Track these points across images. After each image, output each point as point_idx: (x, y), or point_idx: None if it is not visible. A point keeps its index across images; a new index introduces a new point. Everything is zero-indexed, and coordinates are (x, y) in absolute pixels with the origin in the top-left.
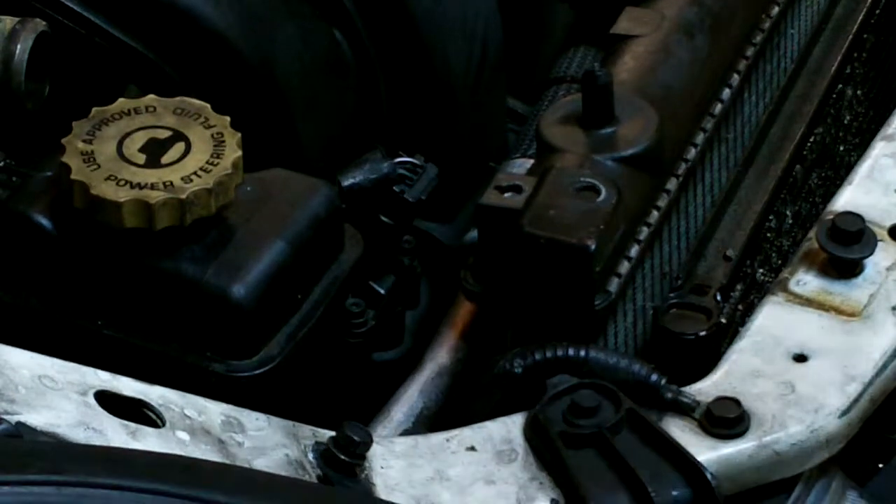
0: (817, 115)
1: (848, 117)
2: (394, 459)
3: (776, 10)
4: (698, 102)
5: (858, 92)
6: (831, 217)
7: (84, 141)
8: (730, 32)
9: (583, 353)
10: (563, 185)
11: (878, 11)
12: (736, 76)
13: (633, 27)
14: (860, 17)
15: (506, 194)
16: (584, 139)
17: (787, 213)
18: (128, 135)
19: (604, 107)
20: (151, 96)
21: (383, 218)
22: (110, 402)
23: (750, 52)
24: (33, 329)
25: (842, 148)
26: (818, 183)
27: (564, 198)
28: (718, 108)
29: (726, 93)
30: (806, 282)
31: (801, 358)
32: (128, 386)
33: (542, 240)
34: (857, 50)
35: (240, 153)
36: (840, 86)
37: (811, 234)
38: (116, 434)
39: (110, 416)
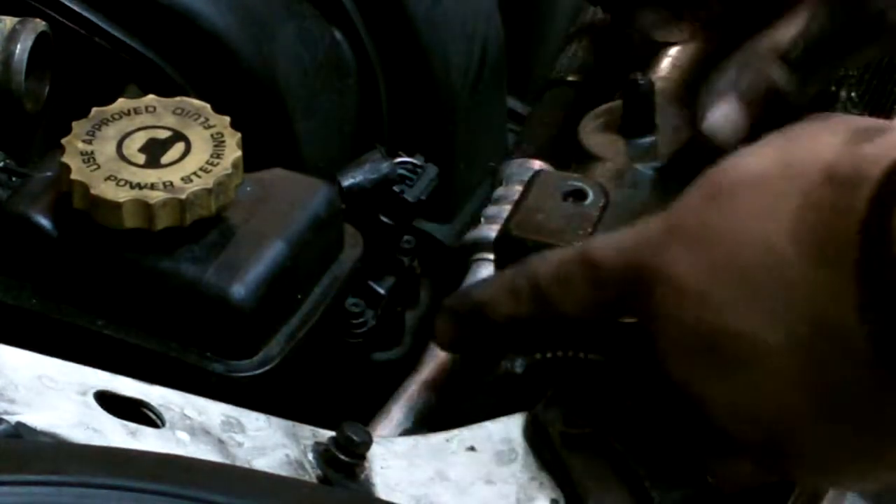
0: None
1: None
2: (394, 459)
3: None
4: None
5: (853, 94)
6: None
7: (84, 141)
8: None
9: (582, 353)
10: (550, 190)
11: None
12: None
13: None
14: None
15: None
16: (624, 148)
17: None
18: (128, 135)
19: (644, 115)
20: (151, 96)
21: (383, 218)
22: (110, 402)
23: None
24: (33, 329)
25: None
26: None
27: (551, 201)
28: None
29: None
30: None
31: None
32: (128, 386)
33: (529, 243)
34: None
35: (240, 153)
36: (833, 88)
37: None
38: (116, 434)
39: (110, 416)
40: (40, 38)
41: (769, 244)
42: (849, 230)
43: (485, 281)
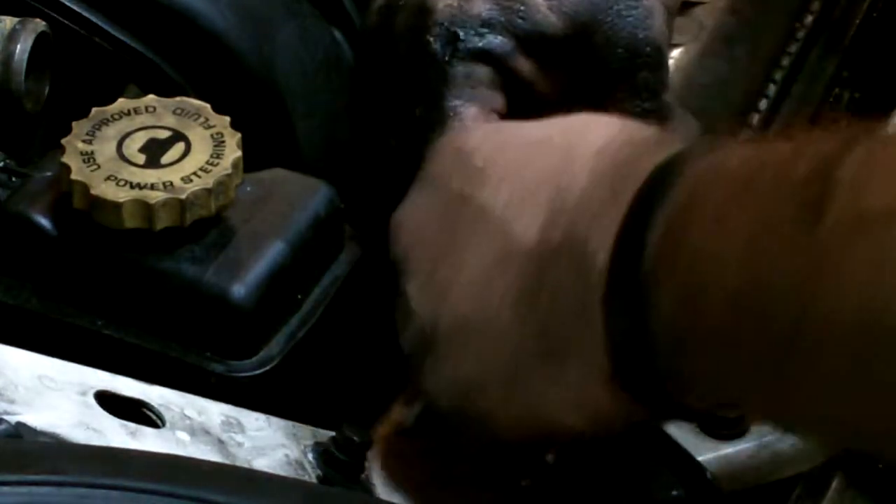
0: (815, 119)
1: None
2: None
3: (810, 18)
4: (738, 111)
5: (856, 95)
6: None
7: (84, 141)
8: (767, 41)
9: None
10: None
11: (875, 14)
12: (773, 86)
13: (672, 36)
14: (857, 21)
15: None
16: None
17: None
18: (128, 135)
19: None
20: (151, 96)
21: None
22: (110, 402)
23: (786, 61)
24: (33, 329)
25: None
26: None
27: None
28: (756, 118)
29: (763, 102)
30: None
31: None
32: (128, 386)
33: None
34: (855, 52)
35: (240, 153)
36: (837, 89)
37: None
38: (116, 434)
39: (110, 416)
40: (40, 38)
41: (568, 149)
42: (638, 174)
43: None
